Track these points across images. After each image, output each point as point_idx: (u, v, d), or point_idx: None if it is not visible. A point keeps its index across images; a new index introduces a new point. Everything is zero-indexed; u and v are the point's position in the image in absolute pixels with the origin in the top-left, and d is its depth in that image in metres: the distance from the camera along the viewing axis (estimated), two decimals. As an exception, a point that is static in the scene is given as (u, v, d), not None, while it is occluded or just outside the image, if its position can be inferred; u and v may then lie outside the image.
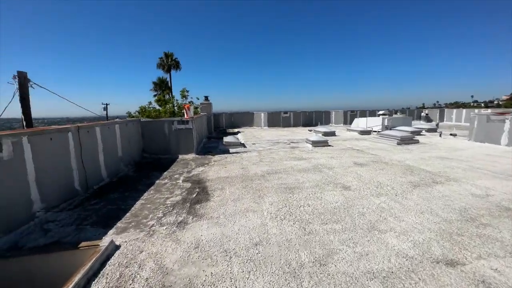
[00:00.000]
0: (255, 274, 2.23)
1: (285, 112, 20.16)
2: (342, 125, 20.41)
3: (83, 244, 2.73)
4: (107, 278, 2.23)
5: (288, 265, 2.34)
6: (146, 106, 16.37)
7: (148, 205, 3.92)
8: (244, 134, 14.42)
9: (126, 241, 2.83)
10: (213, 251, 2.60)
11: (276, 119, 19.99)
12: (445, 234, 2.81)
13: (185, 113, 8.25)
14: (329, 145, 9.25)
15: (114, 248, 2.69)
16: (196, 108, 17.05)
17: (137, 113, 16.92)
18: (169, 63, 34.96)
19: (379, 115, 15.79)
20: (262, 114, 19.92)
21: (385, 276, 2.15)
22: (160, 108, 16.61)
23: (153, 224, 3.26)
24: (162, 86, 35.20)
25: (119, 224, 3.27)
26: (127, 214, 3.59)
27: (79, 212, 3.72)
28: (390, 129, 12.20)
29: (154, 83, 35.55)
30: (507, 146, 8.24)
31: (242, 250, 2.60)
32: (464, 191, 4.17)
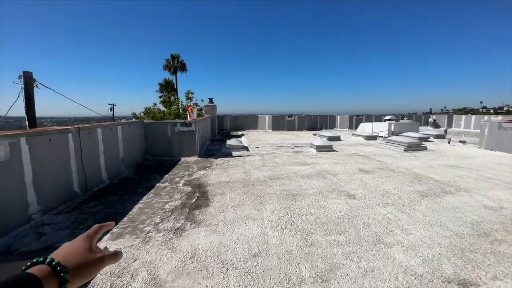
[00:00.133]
0: (252, 289, 2.11)
1: (290, 116, 20.03)
2: (347, 129, 20.15)
3: (76, 250, 2.64)
4: (97, 288, 2.13)
5: (287, 280, 2.21)
6: (151, 107, 16.46)
7: (146, 210, 3.83)
8: (247, 137, 14.32)
9: (120, 248, 2.73)
10: (210, 262, 2.48)
11: (280, 123, 19.86)
12: (456, 250, 2.63)
13: (188, 115, 8.20)
14: (334, 150, 9.08)
15: (107, 255, 2.59)
16: (200, 110, 17.08)
17: (142, 114, 17.03)
18: (175, 65, 35.24)
19: (385, 120, 15.53)
20: (267, 117, 19.82)
21: (392, 296, 2.00)
22: (165, 110, 16.68)
23: (149, 230, 3.16)
24: (168, 88, 35.46)
25: (115, 229, 3.18)
26: (124, 218, 3.51)
27: (76, 215, 3.65)
28: (397, 135, 11.95)
29: (160, 84, 35.86)
30: (519, 155, 7.94)
31: (239, 262, 2.47)
32: (475, 202, 3.97)
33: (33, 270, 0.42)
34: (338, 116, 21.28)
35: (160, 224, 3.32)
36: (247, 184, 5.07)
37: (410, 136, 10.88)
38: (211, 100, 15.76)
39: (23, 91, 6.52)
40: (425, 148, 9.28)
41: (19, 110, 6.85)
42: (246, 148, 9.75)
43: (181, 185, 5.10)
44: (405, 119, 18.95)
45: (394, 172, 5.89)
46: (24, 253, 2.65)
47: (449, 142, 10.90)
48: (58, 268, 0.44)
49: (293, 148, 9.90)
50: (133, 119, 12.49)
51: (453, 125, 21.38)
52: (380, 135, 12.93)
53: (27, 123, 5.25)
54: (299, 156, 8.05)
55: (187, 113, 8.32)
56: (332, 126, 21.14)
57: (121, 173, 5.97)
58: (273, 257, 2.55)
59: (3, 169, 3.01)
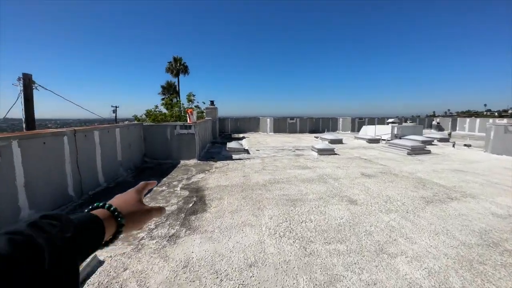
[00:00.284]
0: (246, 303, 1.98)
1: (291, 118, 19.91)
2: (349, 132, 19.98)
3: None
4: (83, 300, 2.03)
5: (284, 293, 2.08)
6: (153, 109, 16.46)
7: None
8: (248, 140, 14.22)
9: (111, 256, 2.63)
10: (203, 272, 2.36)
11: (282, 125, 19.75)
12: (464, 261, 2.48)
13: (188, 118, 8.12)
14: (336, 154, 8.93)
15: (97, 264, 2.49)
16: (202, 112, 17.04)
17: (144, 116, 17.03)
18: (178, 68, 35.37)
19: (388, 123, 15.36)
20: (268, 120, 19.73)
21: (395, 313, 1.86)
22: (166, 112, 16.67)
23: (143, 237, 3.05)
24: (170, 90, 35.57)
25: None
26: (118, 224, 3.40)
27: (69, 220, 3.55)
28: (400, 138, 11.77)
29: (162, 87, 35.99)
30: (526, 159, 7.74)
31: (234, 272, 2.35)
32: (483, 209, 3.81)
33: (96, 212, 0.46)
34: (340, 119, 21.13)
35: (154, 231, 3.22)
36: (246, 188, 4.95)
37: (413, 140, 10.70)
38: (212, 103, 15.72)
39: (22, 93, 6.50)
40: (429, 152, 9.10)
41: (19, 112, 6.82)
42: (247, 151, 9.64)
43: (178, 189, 5.00)
44: (408, 122, 18.75)
45: (398, 177, 5.74)
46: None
47: (453, 146, 10.70)
48: (116, 213, 0.48)
49: (294, 151, 9.77)
50: (135, 122, 12.47)
51: (457, 128, 21.11)
52: (383, 138, 12.75)
53: (24, 126, 5.20)
54: (300, 160, 7.92)
55: (187, 115, 8.25)
56: (334, 129, 20.98)
57: (119, 176, 5.89)
58: (270, 267, 2.42)
59: (-7, 173, 2.93)
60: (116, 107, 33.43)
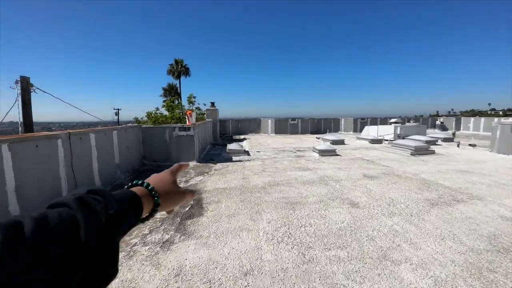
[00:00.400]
0: (239, 315, 1.86)
1: (293, 119, 19.78)
2: (351, 133, 19.78)
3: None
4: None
5: (280, 305, 1.95)
6: (153, 111, 16.44)
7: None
8: (249, 141, 14.12)
9: (101, 264, 2.52)
10: (195, 281, 2.24)
11: (283, 126, 19.62)
12: (473, 269, 2.34)
13: (187, 120, 8.03)
14: (337, 155, 8.78)
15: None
16: (202, 114, 16.98)
17: (145, 118, 17.01)
18: (179, 70, 35.45)
19: (391, 123, 15.16)
20: (269, 121, 19.62)
21: (400, 327, 1.73)
22: (167, 114, 16.63)
23: (135, 243, 2.94)
24: (171, 92, 35.65)
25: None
26: (111, 229, 3.30)
27: (61, 225, 3.46)
28: (403, 138, 11.58)
29: (164, 89, 36.09)
30: (534, 159, 7.52)
31: (228, 281, 2.23)
32: (491, 212, 3.65)
33: (135, 189, 0.47)
34: (342, 119, 20.95)
35: (148, 236, 3.11)
36: (245, 191, 4.83)
37: (417, 140, 10.51)
38: (212, 104, 15.65)
39: (20, 96, 6.46)
40: (433, 152, 8.91)
41: (19, 116, 6.77)
42: (247, 153, 9.52)
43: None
44: (411, 121, 18.50)
45: (401, 178, 5.58)
46: None
47: (458, 146, 10.49)
48: (153, 192, 0.49)
49: (295, 153, 9.64)
50: (135, 124, 12.42)
51: (462, 128, 20.82)
52: (385, 138, 12.57)
53: (20, 129, 5.14)
54: (301, 161, 7.79)
55: (186, 117, 8.16)
56: (336, 129, 20.80)
57: (117, 179, 5.80)
58: (266, 275, 2.30)
59: (-18, 178, 2.84)
60: (118, 109, 33.58)
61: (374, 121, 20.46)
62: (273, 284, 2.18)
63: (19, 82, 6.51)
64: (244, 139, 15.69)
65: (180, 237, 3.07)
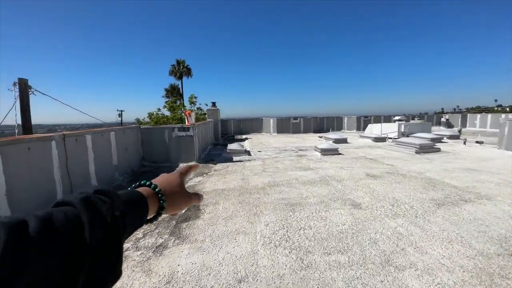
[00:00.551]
0: (231, 327, 1.74)
1: (295, 118, 19.61)
2: (355, 131, 19.54)
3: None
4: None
5: (275, 315, 1.83)
6: (155, 112, 16.41)
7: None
8: (251, 141, 14.00)
9: (90, 270, 2.42)
10: (187, 289, 2.13)
11: (285, 126, 19.46)
12: (483, 275, 2.18)
13: (186, 120, 7.94)
14: (340, 153, 8.61)
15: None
16: (204, 114, 16.90)
17: (146, 119, 17.00)
18: (181, 70, 35.48)
19: (395, 121, 14.90)
20: (271, 120, 19.47)
21: None
22: (168, 114, 16.60)
23: (128, 248, 2.84)
24: (174, 93, 35.70)
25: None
26: (104, 233, 3.21)
27: (54, 229, 3.38)
28: (407, 136, 11.35)
29: (166, 89, 36.16)
30: (545, 155, 7.26)
31: (221, 289, 2.11)
32: (501, 212, 3.47)
33: (141, 190, 0.46)
34: (345, 118, 20.71)
35: (141, 240, 3.01)
36: (244, 192, 4.71)
37: (421, 137, 10.28)
38: (214, 104, 15.56)
39: (19, 98, 6.43)
40: (438, 150, 8.68)
41: (18, 118, 6.72)
42: (248, 153, 9.40)
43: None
44: (416, 119, 18.18)
45: (405, 177, 5.40)
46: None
47: (464, 143, 10.22)
48: (160, 194, 0.48)
49: (297, 152, 9.49)
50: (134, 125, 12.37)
51: (468, 125, 20.41)
52: (389, 136, 12.33)
53: (16, 132, 5.10)
54: (303, 160, 7.64)
55: (185, 117, 8.07)
56: (339, 128, 20.57)
57: (114, 181, 5.73)
58: (261, 283, 2.17)
59: (-30, 182, 2.77)
60: (121, 111, 33.74)
61: (378, 119, 20.16)
62: (268, 293, 2.06)
63: (17, 84, 6.49)
64: (246, 138, 15.58)
65: (174, 241, 2.97)
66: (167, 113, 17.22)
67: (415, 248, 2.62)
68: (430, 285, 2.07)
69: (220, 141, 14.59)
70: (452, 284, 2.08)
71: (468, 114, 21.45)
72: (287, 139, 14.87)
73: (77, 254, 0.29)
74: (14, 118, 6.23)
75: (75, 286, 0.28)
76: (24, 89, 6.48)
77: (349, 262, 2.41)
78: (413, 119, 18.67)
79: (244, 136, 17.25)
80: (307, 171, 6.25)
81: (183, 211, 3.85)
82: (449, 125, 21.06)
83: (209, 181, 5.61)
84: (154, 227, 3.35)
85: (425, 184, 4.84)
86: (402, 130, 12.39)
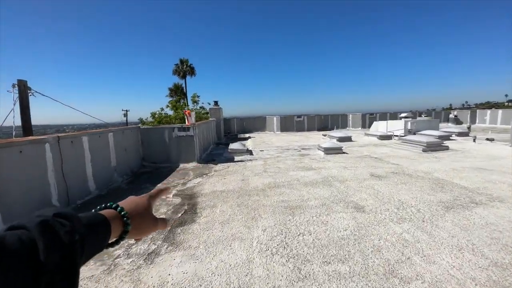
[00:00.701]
0: None
1: (299, 116, 19.36)
2: (360, 129, 19.19)
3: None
4: None
5: (268, 334, 1.68)
6: (157, 111, 16.39)
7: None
8: (253, 140, 13.85)
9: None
10: (175, 302, 2.00)
11: (289, 124, 19.24)
12: (498, 289, 1.99)
13: (186, 120, 7.84)
14: (344, 152, 8.39)
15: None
16: (206, 113, 16.82)
17: (149, 118, 17.00)
18: (184, 69, 35.48)
19: (401, 118, 14.52)
20: (275, 119, 19.27)
21: None
22: (171, 114, 16.56)
23: (119, 255, 2.73)
24: (177, 92, 35.74)
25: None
26: (97, 238, 3.11)
27: (47, 234, 3.31)
28: (414, 134, 11.03)
29: (170, 89, 36.20)
30: (561, 153, 6.91)
31: (212, 303, 1.98)
32: (515, 216, 3.25)
33: (106, 212, 0.46)
34: (350, 115, 20.35)
35: (133, 246, 2.90)
36: (243, 194, 4.57)
37: (429, 135, 9.96)
38: (216, 103, 15.45)
39: (18, 100, 6.41)
40: (446, 148, 8.38)
41: (19, 120, 6.71)
42: (250, 152, 9.26)
43: (171, 196, 4.68)
44: (423, 116, 17.71)
45: (412, 177, 5.17)
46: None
47: (474, 140, 9.86)
48: (125, 218, 0.47)
49: (299, 151, 9.30)
50: (139, 125, 12.36)
51: (477, 121, 19.84)
52: (395, 134, 12.02)
53: (14, 134, 5.06)
54: (305, 160, 7.46)
55: (185, 117, 7.97)
56: (344, 125, 20.24)
57: (113, 183, 5.66)
58: (255, 296, 2.03)
59: (-42, 187, 2.70)
60: (126, 110, 33.99)
61: (384, 116, 19.75)
62: (261, 307, 1.91)
63: (16, 85, 6.47)
64: (249, 137, 15.44)
65: (167, 247, 2.85)
66: (170, 112, 17.22)
67: (422, 257, 2.43)
68: (438, 300, 1.90)
69: (223, 140, 14.49)
70: (463, 299, 1.90)
71: (478, 110, 20.84)
72: (290, 137, 14.66)
73: (30, 278, 0.29)
74: (17, 120, 6.22)
75: None
76: (23, 91, 6.46)
77: (350, 273, 2.24)
78: (420, 115, 18.20)
79: (247, 135, 17.11)
80: (309, 171, 6.07)
81: (179, 215, 3.73)
82: (457, 121, 20.51)
83: (209, 182, 5.49)
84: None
85: (433, 185, 4.61)
86: (409, 127, 12.06)
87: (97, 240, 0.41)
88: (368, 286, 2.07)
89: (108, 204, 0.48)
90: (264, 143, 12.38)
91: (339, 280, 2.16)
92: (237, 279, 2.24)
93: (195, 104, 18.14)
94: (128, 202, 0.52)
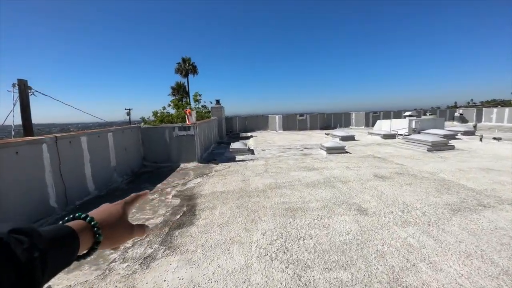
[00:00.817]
0: None
1: (301, 115, 19.21)
2: (363, 127, 18.98)
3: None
4: None
5: None
6: (159, 110, 16.37)
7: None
8: (255, 139, 13.75)
9: (70, 286, 2.26)
10: (169, 311, 1.93)
11: (291, 122, 19.09)
12: (509, 300, 1.88)
13: (186, 119, 7.77)
14: (347, 152, 8.26)
15: (51, 296, 2.13)
16: (208, 112, 16.75)
17: (152, 117, 16.99)
18: (187, 68, 35.43)
19: (405, 117, 14.30)
20: (277, 117, 19.14)
21: None
22: (173, 113, 16.53)
23: (114, 259, 2.67)
24: (180, 91, 35.74)
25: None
26: (93, 241, 3.06)
27: (43, 236, 3.26)
28: (419, 133, 10.84)
29: (172, 88, 36.21)
30: None
31: (207, 312, 1.90)
32: (525, 220, 3.11)
33: (73, 224, 0.44)
34: (353, 114, 20.13)
35: (129, 250, 2.83)
36: (243, 195, 4.49)
37: (434, 134, 9.77)
38: (218, 102, 15.37)
39: (19, 99, 6.39)
40: (452, 147, 8.20)
41: (19, 120, 6.69)
42: (251, 151, 9.17)
43: (170, 197, 4.62)
44: (427, 114, 17.44)
45: (417, 178, 5.04)
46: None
47: (481, 140, 9.65)
48: (96, 228, 0.45)
49: (302, 150, 9.18)
50: (142, 123, 12.34)
51: (483, 119, 19.49)
52: (399, 133, 11.83)
53: (12, 133, 5.03)
54: (307, 160, 7.34)
55: (186, 116, 7.89)
56: (347, 124, 20.04)
57: (113, 183, 5.62)
58: (252, 305, 1.95)
59: (-49, 189, 2.65)
60: (129, 109, 34.11)
61: (387, 115, 19.52)
62: (258, 318, 1.83)
63: (16, 85, 6.44)
64: (251, 136, 15.34)
65: (164, 251, 2.78)
66: (172, 111, 17.19)
67: (428, 264, 2.32)
68: (446, 312, 1.79)
69: (225, 139, 14.42)
70: (472, 311, 1.79)
71: (484, 108, 20.47)
72: (292, 136, 14.54)
73: None
74: (15, 120, 6.20)
75: None
76: (23, 90, 6.43)
77: (352, 281, 2.15)
78: (424, 114, 17.93)
79: (249, 134, 17.02)
80: (311, 171, 5.97)
81: (178, 216, 3.66)
82: (463, 120, 20.18)
83: (209, 182, 5.42)
84: (145, 234, 3.17)
85: (439, 186, 4.48)
86: (413, 126, 11.86)
87: (64, 254, 0.39)
88: (371, 296, 1.97)
89: (77, 215, 0.46)
90: (266, 142, 12.28)
91: (341, 289, 2.07)
92: (235, 286, 2.16)
93: (197, 103, 18.09)
94: (100, 211, 0.50)
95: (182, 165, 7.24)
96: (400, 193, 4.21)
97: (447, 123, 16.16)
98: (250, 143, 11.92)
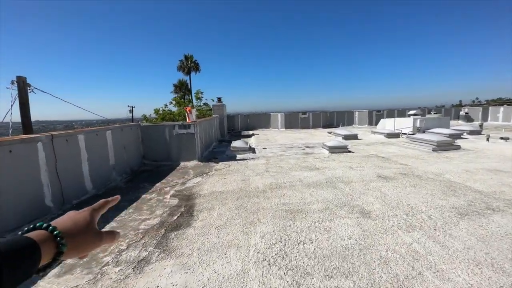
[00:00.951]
0: None
1: (304, 113, 19.02)
2: (366, 126, 18.75)
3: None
4: None
5: None
6: (161, 108, 16.29)
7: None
8: (257, 137, 13.63)
9: (60, 291, 2.18)
10: (161, 320, 1.83)
11: (293, 121, 18.93)
12: (523, 314, 1.75)
13: (187, 117, 7.67)
14: (349, 151, 8.11)
15: (39, 302, 2.05)
16: (210, 110, 16.64)
17: (153, 115, 16.92)
18: (189, 65, 35.32)
19: (409, 115, 14.06)
20: (279, 115, 18.98)
21: None
22: (175, 111, 16.45)
23: (107, 262, 2.58)
24: (182, 88, 35.68)
25: (68, 260, 2.65)
26: (87, 243, 2.97)
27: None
28: (423, 132, 10.63)
29: (174, 85, 36.17)
30: None
31: (200, 322, 1.80)
32: (537, 225, 2.97)
33: (34, 234, 0.42)
34: (357, 112, 19.89)
35: (123, 253, 2.74)
36: (243, 195, 4.38)
37: (439, 133, 9.57)
38: (219, 99, 15.26)
39: (18, 96, 6.33)
40: (458, 147, 8.00)
41: (19, 117, 6.65)
42: (253, 150, 9.06)
43: (168, 196, 4.53)
44: (432, 113, 17.15)
45: (421, 179, 4.89)
46: None
47: (487, 139, 9.42)
48: (58, 238, 0.44)
49: (303, 149, 9.05)
50: (143, 121, 12.26)
51: (489, 118, 19.14)
52: (403, 132, 11.62)
53: (9, 131, 4.97)
54: (309, 159, 7.21)
55: (186, 114, 7.79)
56: (349, 123, 19.82)
57: (112, 181, 5.55)
58: (248, 315, 1.84)
59: None
60: (132, 107, 34.12)
61: (391, 113, 19.25)
62: (254, 330, 1.72)
63: (15, 82, 6.39)
64: (253, 134, 15.22)
65: (159, 254, 2.68)
66: (174, 109, 17.11)
67: (434, 272, 2.20)
68: (455, 327, 1.67)
69: (226, 137, 14.32)
70: (483, 326, 1.67)
71: (490, 107, 20.09)
72: (295, 135, 14.39)
73: None
74: (17, 117, 6.14)
75: None
76: (22, 87, 6.37)
77: (354, 290, 2.03)
78: (429, 113, 17.64)
79: (251, 132, 16.90)
80: (312, 171, 5.84)
81: (175, 217, 3.57)
82: (469, 119, 19.84)
83: (208, 182, 5.32)
84: (141, 236, 3.09)
85: (444, 188, 4.33)
86: (418, 125, 11.64)
87: (21, 266, 0.37)
88: (374, 307, 1.86)
89: (38, 225, 0.45)
90: (267, 140, 12.15)
91: (342, 298, 1.96)
92: (230, 294, 2.06)
93: (198, 100, 17.99)
94: (64, 220, 0.49)
95: (182, 163, 7.15)
96: (404, 195, 4.07)
97: (452, 122, 15.88)
98: (252, 141, 11.81)
